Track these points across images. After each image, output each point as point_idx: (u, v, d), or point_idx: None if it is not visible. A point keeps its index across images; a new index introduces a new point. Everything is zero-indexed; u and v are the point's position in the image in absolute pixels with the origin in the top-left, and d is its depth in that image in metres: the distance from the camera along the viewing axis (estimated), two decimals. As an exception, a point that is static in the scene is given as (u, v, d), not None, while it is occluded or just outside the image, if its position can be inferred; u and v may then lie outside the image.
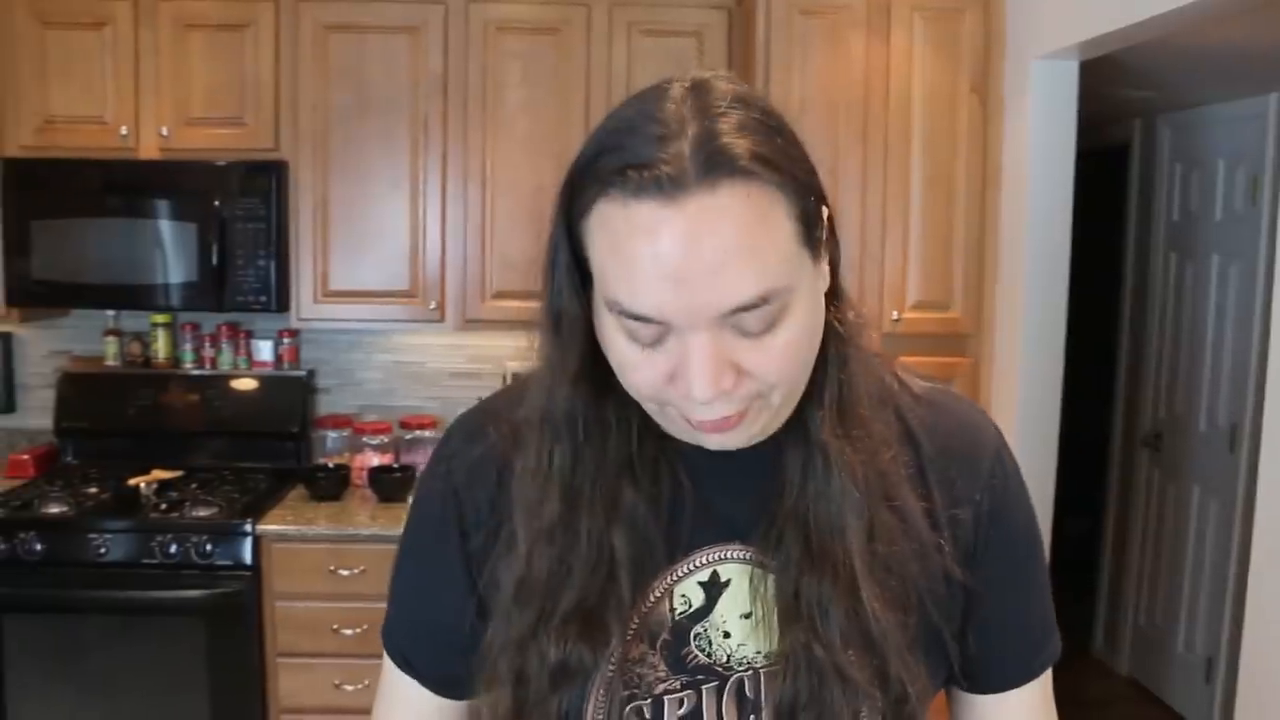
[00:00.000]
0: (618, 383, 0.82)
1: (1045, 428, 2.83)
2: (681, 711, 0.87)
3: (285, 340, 3.37)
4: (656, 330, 0.75)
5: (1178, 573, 3.96)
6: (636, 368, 0.78)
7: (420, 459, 3.27)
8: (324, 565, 2.84)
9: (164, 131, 3.01)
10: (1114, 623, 4.46)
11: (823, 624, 0.83)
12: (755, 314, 0.74)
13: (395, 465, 3.22)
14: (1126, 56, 2.74)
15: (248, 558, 2.82)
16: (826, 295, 0.83)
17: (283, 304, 3.08)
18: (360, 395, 3.49)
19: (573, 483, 0.85)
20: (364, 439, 3.28)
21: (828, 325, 0.83)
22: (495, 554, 0.90)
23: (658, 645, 0.87)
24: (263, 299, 3.04)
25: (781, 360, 0.77)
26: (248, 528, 2.82)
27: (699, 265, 0.71)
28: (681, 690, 0.87)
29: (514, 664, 0.87)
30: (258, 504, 2.97)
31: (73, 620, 2.81)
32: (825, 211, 0.80)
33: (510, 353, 3.12)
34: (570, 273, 0.81)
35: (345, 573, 2.83)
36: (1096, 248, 4.58)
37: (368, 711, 3.06)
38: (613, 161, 0.73)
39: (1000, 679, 0.96)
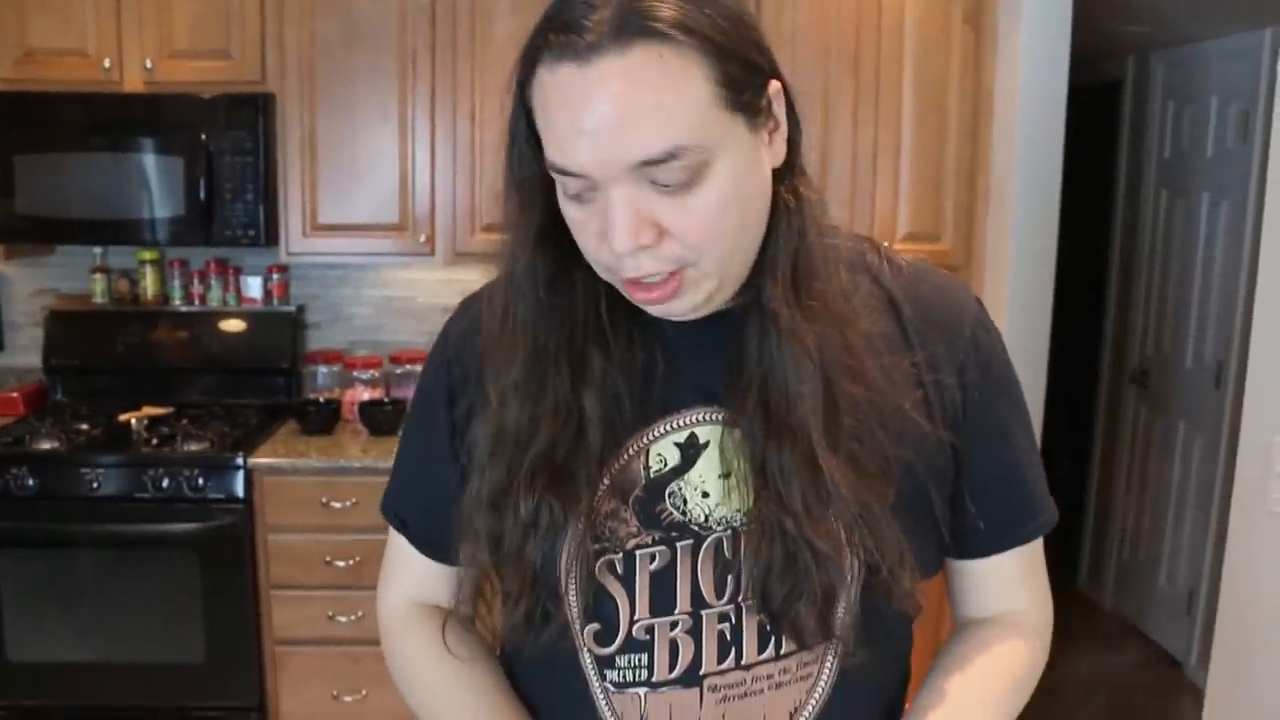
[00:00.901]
0: (581, 264, 0.87)
1: (1034, 360, 2.85)
2: (654, 566, 0.90)
3: (274, 276, 3.36)
4: (583, 184, 0.80)
5: (1161, 508, 4.01)
6: (581, 225, 0.84)
7: (410, 393, 3.27)
8: (316, 498, 2.85)
9: (148, 64, 2.97)
10: (1099, 558, 4.52)
11: (787, 494, 0.85)
12: (667, 168, 0.78)
13: (385, 399, 3.22)
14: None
15: (240, 491, 2.83)
16: (780, 170, 0.86)
17: (271, 238, 3.06)
18: (350, 330, 3.48)
19: (536, 340, 0.89)
20: (354, 374, 3.29)
21: (779, 200, 0.86)
22: (475, 418, 0.94)
23: (630, 501, 0.90)
24: (251, 233, 3.02)
25: (703, 221, 0.80)
26: (239, 461, 2.83)
27: (608, 120, 0.77)
28: (654, 545, 0.90)
29: (488, 520, 0.91)
30: (249, 438, 2.97)
31: (67, 554, 2.83)
32: (776, 88, 0.85)
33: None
34: (528, 141, 0.85)
35: (337, 505, 2.85)
36: (1089, 184, 4.59)
37: (362, 642, 3.12)
38: (547, 32, 0.80)
39: (989, 542, 0.98)
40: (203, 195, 2.98)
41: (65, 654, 2.86)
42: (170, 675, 2.89)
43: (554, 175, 0.82)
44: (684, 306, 0.86)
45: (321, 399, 3.23)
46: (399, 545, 1.07)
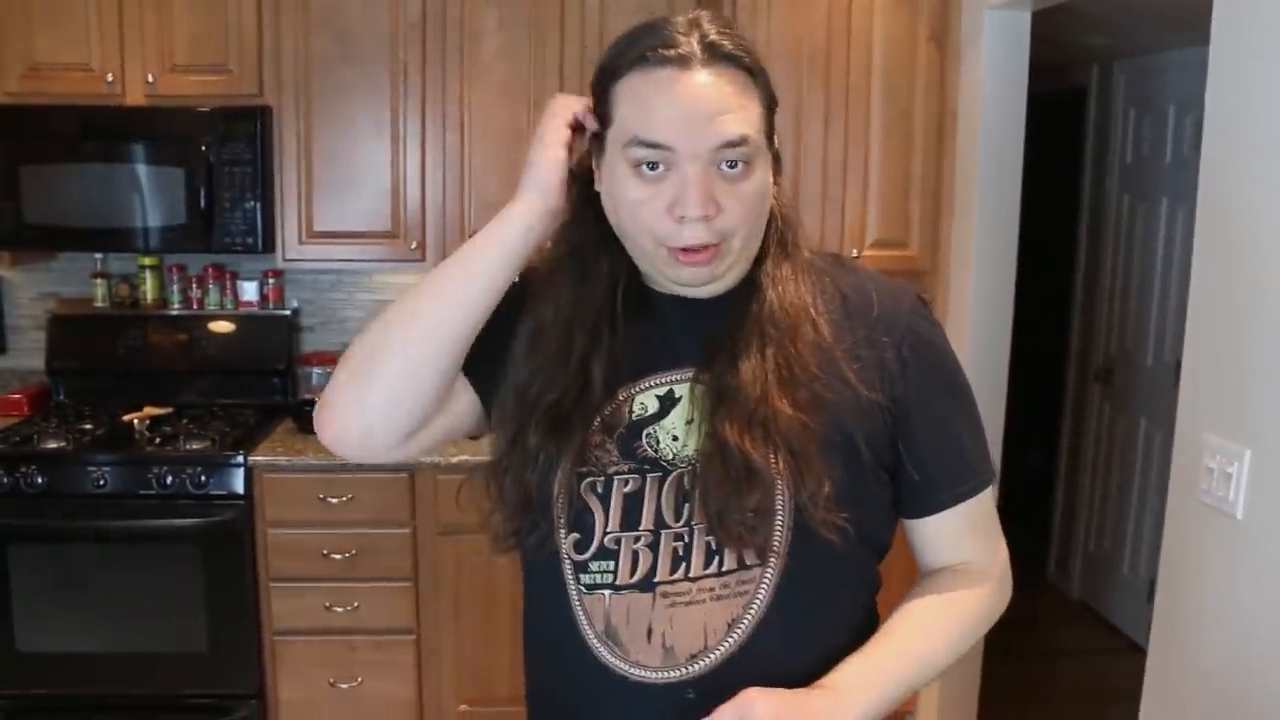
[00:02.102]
0: (608, 258, 1.12)
1: (996, 358, 3.00)
2: (627, 489, 1.10)
3: (270, 280, 3.48)
4: (664, 157, 1.03)
5: (1125, 500, 4.17)
6: (645, 203, 1.04)
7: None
8: (313, 494, 2.98)
9: (150, 78, 3.09)
10: (1066, 549, 4.68)
11: (737, 421, 1.05)
12: (736, 152, 1.02)
13: (379, 400, 3.34)
14: (1081, 5, 2.86)
15: (240, 488, 2.95)
16: (775, 191, 1.11)
17: (268, 245, 3.18)
18: (344, 332, 3.61)
19: (563, 318, 1.11)
20: (348, 375, 3.40)
21: (773, 209, 1.11)
22: (518, 348, 1.15)
23: (614, 436, 1.11)
24: (249, 240, 3.14)
25: (745, 205, 1.05)
26: (239, 459, 2.95)
27: (703, 108, 1.01)
28: (629, 473, 1.10)
29: (503, 436, 1.12)
30: (248, 437, 3.10)
31: (74, 549, 2.94)
32: (777, 124, 1.11)
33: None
34: (591, 140, 1.11)
35: (333, 501, 2.97)
36: (1057, 188, 4.75)
37: (358, 632, 3.26)
38: (639, 48, 1.04)
39: (933, 502, 1.16)
40: (203, 204, 3.10)
41: (72, 644, 2.97)
42: (173, 664, 3.00)
43: (632, 152, 1.04)
44: (707, 274, 1.08)
45: (317, 399, 3.34)
46: None
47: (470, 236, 3.30)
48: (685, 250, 1.05)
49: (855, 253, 3.02)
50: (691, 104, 1.01)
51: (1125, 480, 4.18)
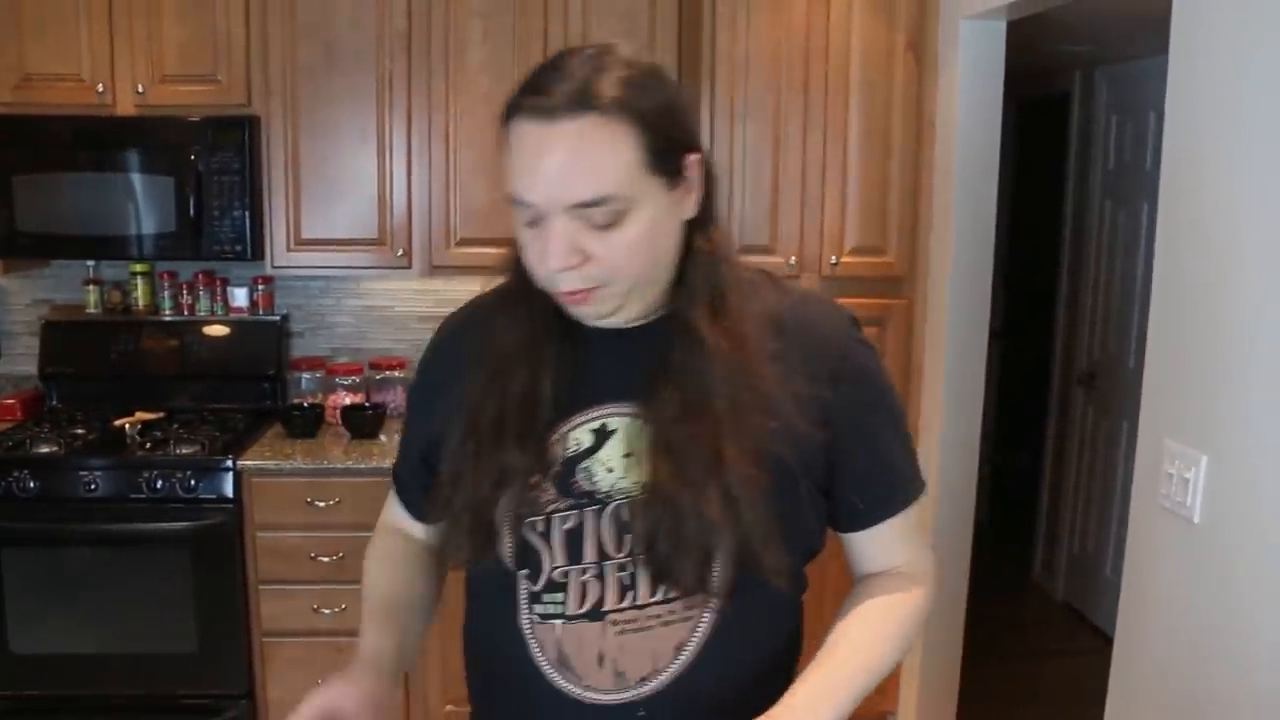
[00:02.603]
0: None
1: (974, 366, 3.04)
2: (567, 526, 1.13)
3: (260, 287, 3.53)
4: (533, 213, 1.04)
5: (1108, 503, 4.22)
6: (527, 246, 1.08)
7: (389, 398, 3.45)
8: (301, 498, 3.02)
9: (140, 88, 3.13)
10: (1051, 551, 4.73)
11: (686, 470, 1.07)
12: (597, 211, 1.02)
13: (366, 404, 3.39)
14: (1059, 14, 2.90)
15: (229, 491, 2.99)
16: (696, 222, 1.12)
17: (257, 252, 3.23)
18: (332, 338, 3.66)
19: (510, 342, 1.15)
20: (336, 379, 3.47)
21: (695, 243, 1.12)
22: (454, 403, 1.18)
23: (549, 475, 1.13)
24: (238, 248, 3.19)
25: (620, 254, 1.04)
26: (229, 463, 2.99)
27: (554, 168, 1.01)
28: (568, 510, 1.13)
29: (449, 493, 1.15)
30: (237, 441, 3.14)
31: (66, 552, 2.98)
32: (695, 159, 1.09)
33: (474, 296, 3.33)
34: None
35: (321, 504, 3.02)
36: (1042, 193, 4.80)
37: (346, 634, 3.30)
38: (521, 94, 1.04)
39: (868, 518, 1.20)
40: (192, 212, 3.15)
41: (65, 646, 3.02)
42: (164, 666, 3.04)
43: (512, 205, 1.06)
44: (592, 313, 1.10)
45: (305, 404, 3.40)
46: (393, 496, 1.38)
47: (455, 247, 3.31)
48: (565, 292, 1.08)
49: (834, 259, 3.07)
50: (545, 164, 1.01)
51: (1108, 483, 4.23)
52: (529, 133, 1.02)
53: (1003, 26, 2.91)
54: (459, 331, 1.28)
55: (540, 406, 1.13)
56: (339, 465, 3.04)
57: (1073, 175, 4.58)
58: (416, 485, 1.29)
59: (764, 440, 1.08)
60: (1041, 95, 4.79)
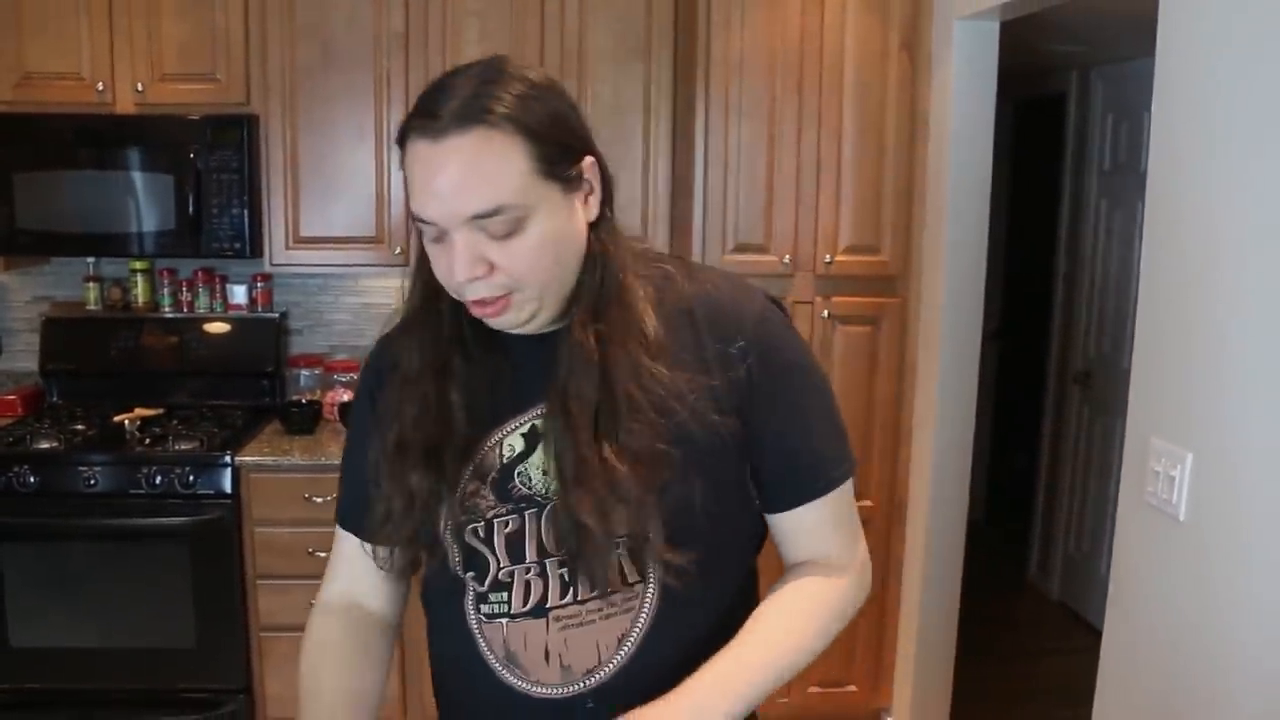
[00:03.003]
0: (447, 294, 1.13)
1: (966, 360, 3.05)
2: (508, 530, 1.15)
3: (258, 284, 3.55)
4: (436, 231, 1.06)
5: (1103, 503, 4.23)
6: (434, 261, 1.10)
7: (388, 396, 3.47)
8: (299, 493, 3.05)
9: (139, 87, 3.16)
10: (1046, 550, 4.75)
11: (567, 476, 1.09)
12: (495, 220, 1.04)
13: (364, 401, 3.41)
14: (1052, 15, 2.92)
15: (228, 487, 3.02)
16: (595, 224, 1.13)
17: (256, 250, 3.25)
18: (330, 335, 3.69)
19: (419, 349, 1.16)
20: (334, 376, 3.49)
21: (590, 247, 1.13)
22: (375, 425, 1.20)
23: (488, 481, 1.16)
24: (237, 245, 3.21)
25: (523, 260, 1.06)
26: (227, 459, 3.02)
27: (447, 184, 1.03)
28: (508, 514, 1.15)
29: (384, 498, 1.16)
30: (236, 437, 3.17)
31: (66, 547, 3.01)
32: (590, 162, 1.11)
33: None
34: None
35: (319, 500, 3.04)
36: (1040, 193, 4.82)
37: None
38: (412, 116, 1.06)
39: (787, 499, 1.20)
40: (191, 210, 3.17)
41: (64, 640, 3.04)
42: (162, 660, 3.07)
43: (415, 224, 1.09)
44: (509, 321, 1.12)
45: (303, 400, 3.43)
46: (341, 549, 1.34)
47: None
48: (476, 303, 1.10)
49: (829, 258, 3.09)
50: (438, 179, 1.03)
51: (1103, 483, 4.24)
52: (421, 152, 1.04)
53: (996, 27, 2.93)
54: (379, 356, 1.28)
55: (453, 419, 1.15)
56: (336, 461, 3.01)
57: (1069, 175, 4.60)
58: (367, 515, 1.25)
59: (656, 436, 1.09)
60: (1037, 95, 4.81)
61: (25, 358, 3.60)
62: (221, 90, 3.19)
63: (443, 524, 1.16)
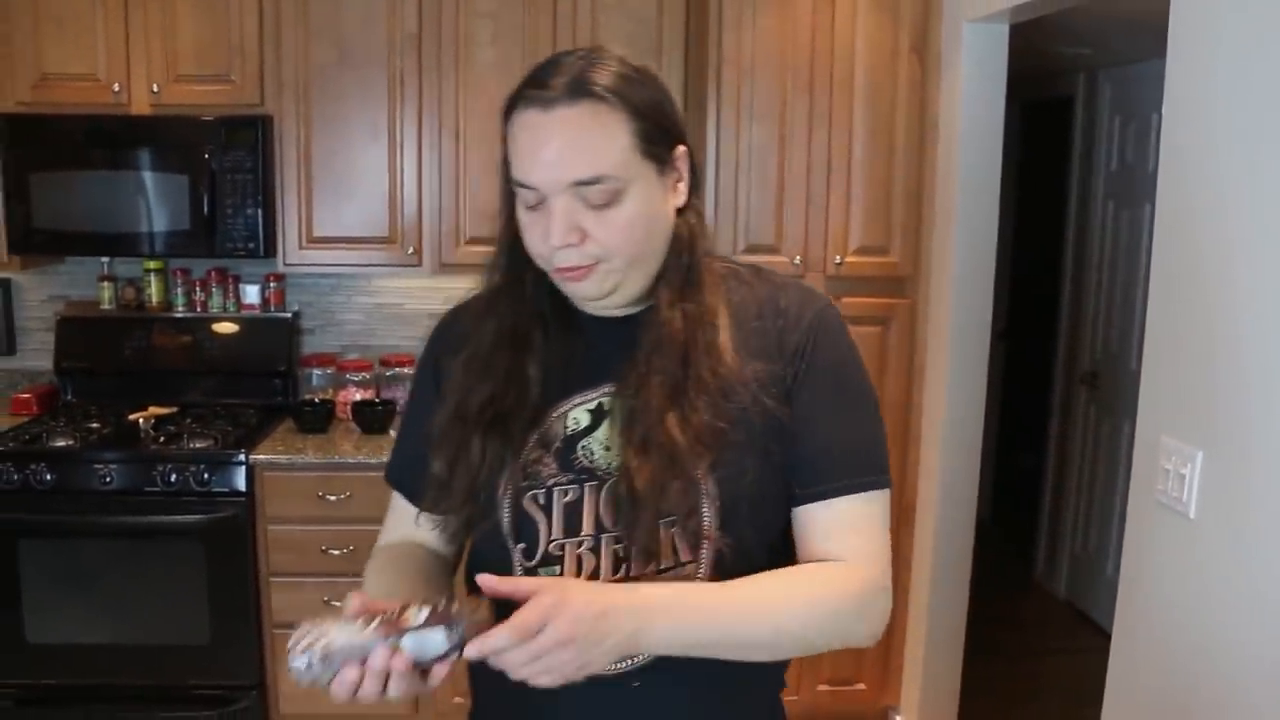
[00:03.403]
0: (533, 267, 1.19)
1: (975, 361, 3.07)
2: (567, 499, 1.18)
3: (271, 284, 3.58)
4: (535, 196, 1.11)
5: (1110, 503, 4.25)
6: (529, 228, 1.15)
7: (399, 394, 3.50)
8: (312, 491, 3.07)
9: (154, 88, 3.18)
10: (1053, 550, 4.76)
11: (635, 445, 1.12)
12: (594, 189, 1.09)
13: (376, 400, 3.45)
14: (1061, 18, 2.94)
15: (242, 485, 3.04)
16: (682, 210, 1.19)
17: (269, 250, 3.28)
18: (342, 335, 3.71)
19: (499, 321, 1.21)
20: (347, 376, 3.51)
21: (678, 230, 1.19)
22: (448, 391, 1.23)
23: (551, 450, 1.19)
24: (250, 245, 3.24)
25: (617, 231, 1.12)
26: (241, 457, 3.04)
27: (554, 150, 1.09)
28: (568, 484, 1.18)
29: (448, 452, 1.19)
30: (250, 436, 3.19)
31: (82, 544, 3.03)
32: (682, 151, 1.18)
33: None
34: (504, 167, 1.17)
35: (332, 498, 3.07)
36: (1047, 195, 4.83)
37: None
38: (523, 87, 1.13)
39: (811, 489, 1.18)
40: (206, 210, 3.20)
41: (80, 636, 3.07)
42: (177, 656, 3.09)
43: (515, 189, 1.13)
44: (591, 290, 1.16)
45: (316, 399, 3.45)
46: (395, 504, 1.37)
47: (465, 245, 3.33)
48: (564, 269, 1.14)
49: (839, 259, 3.11)
50: (547, 146, 1.09)
51: (1110, 483, 4.26)
52: (530, 120, 1.10)
53: (1005, 29, 2.94)
54: (450, 325, 1.32)
55: (528, 388, 1.19)
56: (349, 460, 3.08)
57: (1076, 177, 4.61)
58: (418, 476, 1.30)
59: (717, 416, 1.12)
60: (1046, 97, 4.83)
61: (40, 356, 3.62)
62: (236, 91, 3.22)
63: (502, 488, 1.19)
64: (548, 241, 1.11)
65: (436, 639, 1.00)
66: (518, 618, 0.98)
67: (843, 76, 3.06)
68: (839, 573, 1.16)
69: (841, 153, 3.08)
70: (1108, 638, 2.19)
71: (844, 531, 1.18)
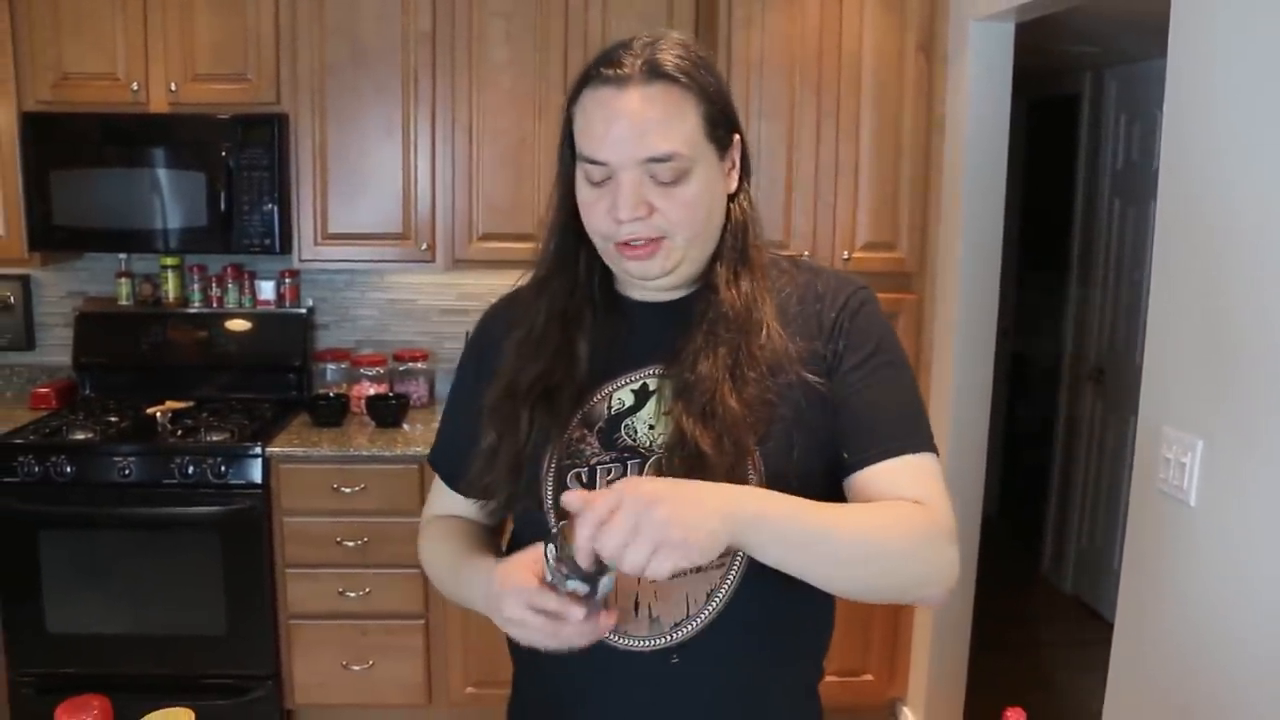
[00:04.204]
0: (585, 248, 1.24)
1: (981, 355, 3.11)
2: (610, 478, 1.21)
3: (286, 280, 3.63)
4: (603, 171, 1.15)
5: (1116, 497, 4.27)
6: (592, 205, 1.18)
7: (412, 389, 3.55)
8: (328, 484, 3.12)
9: (172, 87, 3.23)
10: (1060, 545, 4.79)
11: (693, 412, 1.15)
12: (664, 166, 1.14)
13: (390, 394, 3.49)
14: (1067, 17, 2.97)
15: (258, 477, 3.09)
16: (735, 196, 1.24)
17: (285, 246, 3.32)
18: (357, 330, 3.76)
19: (550, 300, 1.25)
20: (361, 371, 3.56)
21: (731, 215, 1.24)
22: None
23: (594, 430, 1.22)
24: (266, 242, 3.29)
25: (682, 208, 1.16)
26: (258, 450, 3.09)
27: (628, 126, 1.13)
28: (611, 462, 1.21)
29: (497, 426, 1.23)
30: (266, 429, 3.24)
31: (101, 535, 3.08)
32: (737, 139, 1.23)
33: (496, 290, 3.41)
34: (565, 148, 1.22)
35: (347, 490, 3.11)
36: (1055, 192, 4.86)
37: (369, 617, 3.40)
38: (594, 67, 1.17)
39: (872, 450, 1.18)
40: (222, 207, 3.25)
41: (99, 626, 3.12)
42: (193, 646, 3.14)
43: (582, 164, 1.17)
44: (654, 268, 1.19)
45: (331, 394, 3.50)
46: (439, 486, 1.42)
47: (477, 241, 3.36)
48: (627, 245, 1.17)
49: (846, 255, 3.15)
50: (621, 122, 1.13)
51: (1116, 477, 4.28)
52: (603, 97, 1.14)
53: (1011, 28, 2.98)
54: (501, 313, 1.36)
55: (576, 365, 1.23)
56: (364, 453, 3.13)
57: (1082, 174, 4.64)
58: (455, 462, 1.34)
59: (765, 390, 1.16)
60: (1052, 95, 4.86)
61: (59, 351, 3.68)
62: (252, 89, 3.26)
63: (545, 464, 1.22)
64: (613, 215, 1.15)
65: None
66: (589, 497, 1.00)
67: (850, 75, 3.10)
68: (917, 508, 1.13)
69: (849, 150, 3.12)
70: (1113, 628, 2.22)
71: (909, 483, 1.16)
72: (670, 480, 1.03)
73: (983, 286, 3.08)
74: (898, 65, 3.11)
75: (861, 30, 3.09)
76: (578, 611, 1.04)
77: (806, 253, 3.13)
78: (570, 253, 1.26)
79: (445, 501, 1.40)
